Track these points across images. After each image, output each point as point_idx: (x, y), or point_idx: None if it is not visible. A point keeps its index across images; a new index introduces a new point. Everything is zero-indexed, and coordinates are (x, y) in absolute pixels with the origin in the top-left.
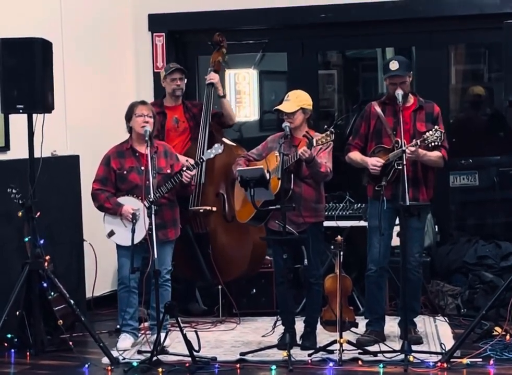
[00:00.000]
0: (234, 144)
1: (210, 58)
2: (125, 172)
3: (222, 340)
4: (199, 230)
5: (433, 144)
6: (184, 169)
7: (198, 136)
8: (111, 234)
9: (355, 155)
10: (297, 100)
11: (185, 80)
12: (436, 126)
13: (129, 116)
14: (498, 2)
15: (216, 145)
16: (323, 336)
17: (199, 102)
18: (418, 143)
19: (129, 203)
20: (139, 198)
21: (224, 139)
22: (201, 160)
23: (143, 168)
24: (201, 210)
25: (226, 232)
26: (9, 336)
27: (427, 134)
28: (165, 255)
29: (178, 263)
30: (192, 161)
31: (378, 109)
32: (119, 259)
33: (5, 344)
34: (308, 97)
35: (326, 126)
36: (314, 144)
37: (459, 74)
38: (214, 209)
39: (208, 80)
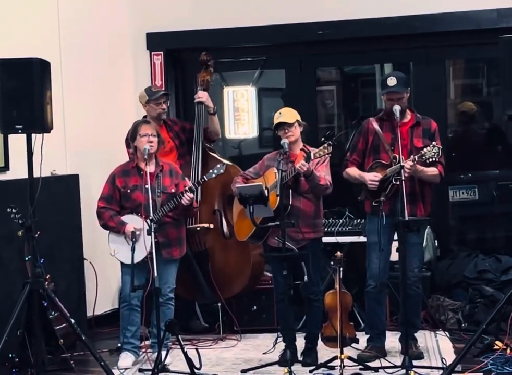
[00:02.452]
0: (230, 163)
1: (198, 76)
2: (129, 191)
3: (223, 357)
4: (198, 248)
5: (430, 159)
6: (187, 188)
7: (192, 155)
8: (115, 252)
9: (353, 171)
10: (291, 114)
11: (168, 102)
12: (433, 142)
13: (134, 136)
14: (494, 17)
15: (218, 165)
16: (324, 352)
17: (178, 119)
18: (416, 159)
19: (132, 221)
20: (143, 216)
21: (219, 158)
22: (203, 180)
23: (147, 186)
24: (198, 228)
25: (225, 248)
26: (10, 355)
27: (425, 149)
28: (168, 273)
29: (179, 285)
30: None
31: (376, 125)
32: (123, 277)
33: (7, 364)
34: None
35: (323, 139)
36: (312, 157)
37: (457, 89)
38: (211, 226)
39: (197, 99)
